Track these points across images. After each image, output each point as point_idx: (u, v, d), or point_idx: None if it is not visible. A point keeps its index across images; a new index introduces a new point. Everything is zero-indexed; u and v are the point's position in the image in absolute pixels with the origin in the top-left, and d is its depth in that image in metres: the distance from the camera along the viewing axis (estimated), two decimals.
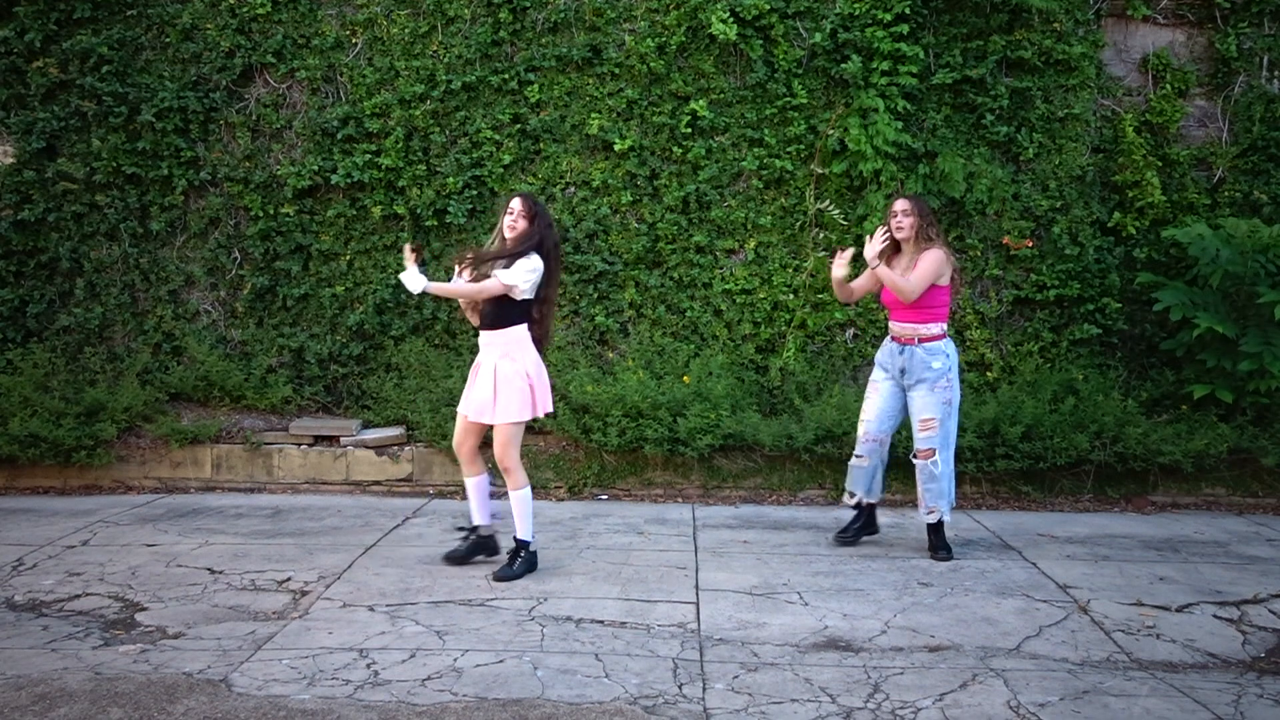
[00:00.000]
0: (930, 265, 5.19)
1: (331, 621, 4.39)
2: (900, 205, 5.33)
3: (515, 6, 7.44)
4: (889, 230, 5.28)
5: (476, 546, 5.19)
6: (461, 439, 5.10)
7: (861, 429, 5.49)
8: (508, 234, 4.90)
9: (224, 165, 7.56)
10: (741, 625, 4.38)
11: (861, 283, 5.47)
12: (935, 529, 5.44)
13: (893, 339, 5.38)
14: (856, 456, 5.51)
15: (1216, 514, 6.71)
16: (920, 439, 5.31)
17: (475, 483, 5.13)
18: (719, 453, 6.90)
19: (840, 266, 5.34)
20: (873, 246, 5.18)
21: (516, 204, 4.92)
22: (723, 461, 6.94)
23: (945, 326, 5.33)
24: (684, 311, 7.50)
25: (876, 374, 5.49)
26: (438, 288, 4.82)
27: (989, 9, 7.34)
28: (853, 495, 5.59)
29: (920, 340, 5.27)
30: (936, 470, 5.27)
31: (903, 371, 5.32)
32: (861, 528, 5.66)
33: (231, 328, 7.71)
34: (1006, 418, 6.70)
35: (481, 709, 3.51)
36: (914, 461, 5.36)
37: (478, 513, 5.17)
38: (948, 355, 5.29)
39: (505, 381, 4.83)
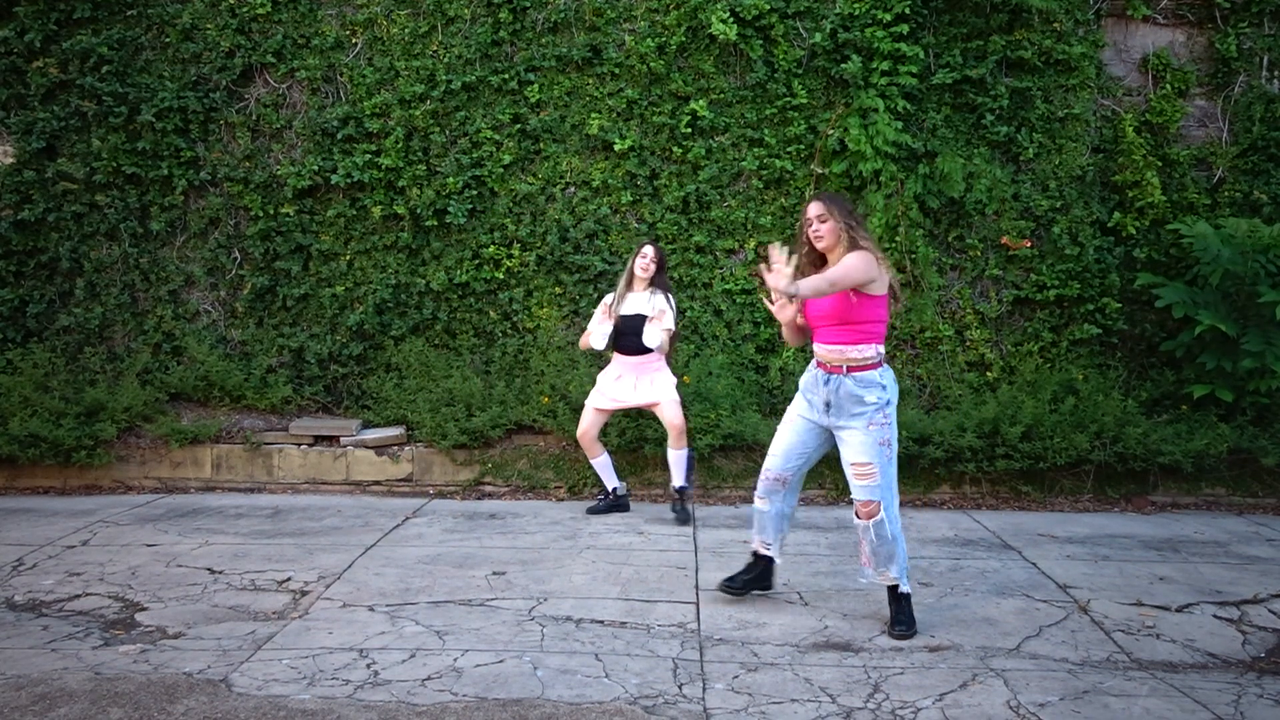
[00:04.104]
0: (858, 261, 4.09)
1: (331, 621, 4.38)
2: (814, 209, 4.28)
3: (515, 6, 7.44)
4: (806, 240, 4.34)
5: (612, 505, 6.43)
6: (590, 427, 6.25)
7: (766, 464, 4.49)
8: (639, 273, 6.19)
9: (224, 165, 7.56)
10: (741, 625, 4.38)
11: (792, 314, 4.28)
12: (896, 598, 4.33)
13: (817, 364, 4.31)
14: (760, 497, 4.54)
15: (1216, 514, 6.71)
16: (857, 489, 4.21)
17: (602, 461, 6.37)
18: (719, 453, 6.90)
19: (779, 278, 3.92)
20: (776, 276, 3.92)
21: (650, 252, 6.18)
22: (723, 461, 6.94)
23: (881, 350, 4.23)
24: (684, 311, 7.50)
25: (798, 404, 4.42)
26: (666, 345, 6.19)
27: (989, 9, 7.34)
28: (768, 545, 4.61)
29: (849, 369, 4.18)
30: (885, 530, 4.19)
31: (828, 405, 4.25)
32: (754, 580, 4.69)
33: (231, 328, 7.71)
34: (1006, 418, 6.71)
35: (481, 709, 3.51)
36: (855, 521, 4.29)
37: (610, 480, 6.42)
38: (884, 387, 4.19)
39: (666, 377, 6.24)
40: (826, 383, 4.24)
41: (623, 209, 7.52)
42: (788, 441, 4.43)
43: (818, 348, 4.29)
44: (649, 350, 6.14)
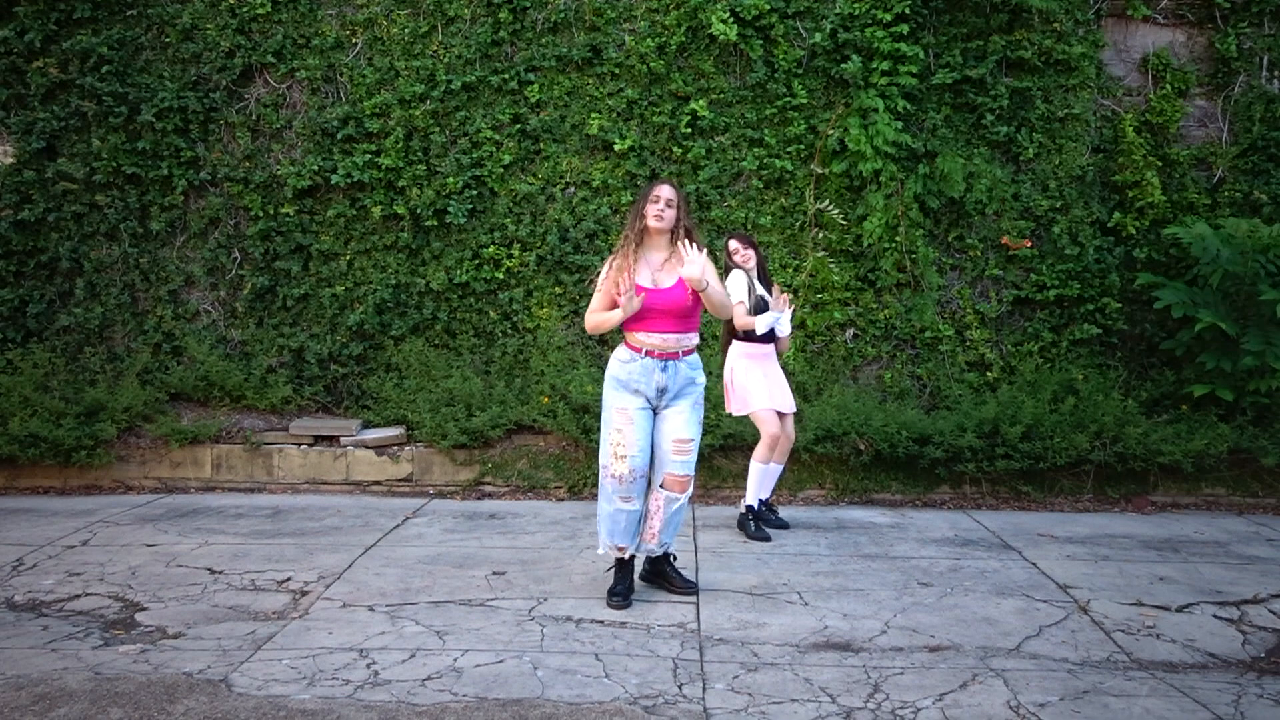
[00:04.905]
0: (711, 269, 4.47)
1: (331, 621, 4.38)
2: (668, 192, 4.48)
3: (515, 6, 7.44)
4: (643, 218, 4.48)
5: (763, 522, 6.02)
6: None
7: (624, 466, 4.44)
8: (740, 263, 5.77)
9: (224, 165, 7.56)
10: (741, 625, 4.38)
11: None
12: (668, 563, 4.79)
13: (648, 354, 4.45)
14: (624, 500, 4.48)
15: (1216, 514, 6.71)
16: (678, 464, 4.48)
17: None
18: (719, 453, 6.90)
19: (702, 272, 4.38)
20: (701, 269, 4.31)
21: (737, 245, 5.79)
22: (723, 461, 6.94)
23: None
24: None
25: (627, 399, 4.48)
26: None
27: (989, 9, 7.34)
28: (621, 549, 4.58)
29: (684, 353, 4.50)
30: (686, 504, 4.59)
31: (662, 391, 4.48)
32: (629, 587, 4.68)
33: (231, 328, 7.71)
34: (1006, 418, 6.71)
35: (481, 709, 3.51)
36: (665, 494, 4.53)
37: (765, 490, 5.99)
38: (702, 369, 4.62)
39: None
40: (664, 369, 4.47)
41: (623, 209, 7.52)
42: (639, 437, 4.47)
43: (651, 338, 4.46)
44: (773, 340, 5.81)
